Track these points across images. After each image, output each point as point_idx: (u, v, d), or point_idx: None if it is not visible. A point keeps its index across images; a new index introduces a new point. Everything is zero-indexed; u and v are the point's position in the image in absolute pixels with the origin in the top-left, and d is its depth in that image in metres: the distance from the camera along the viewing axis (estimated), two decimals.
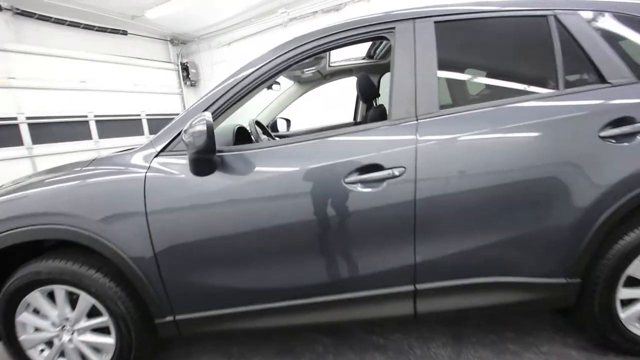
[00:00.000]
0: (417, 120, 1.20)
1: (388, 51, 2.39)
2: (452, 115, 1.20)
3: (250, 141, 1.81)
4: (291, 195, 1.18)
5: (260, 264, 1.24)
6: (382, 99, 2.56)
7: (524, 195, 1.17)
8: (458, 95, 1.34)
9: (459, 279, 1.23)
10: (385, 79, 2.67)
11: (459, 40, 1.32)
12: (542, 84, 1.28)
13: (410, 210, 1.17)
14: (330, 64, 2.44)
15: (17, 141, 4.53)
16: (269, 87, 2.42)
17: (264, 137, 1.87)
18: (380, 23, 1.30)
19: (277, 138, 2.66)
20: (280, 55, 1.30)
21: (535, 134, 1.17)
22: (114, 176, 1.25)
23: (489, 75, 1.35)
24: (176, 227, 1.21)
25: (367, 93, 2.28)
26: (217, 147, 1.24)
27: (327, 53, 2.22)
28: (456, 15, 1.29)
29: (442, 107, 1.22)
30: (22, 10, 4.66)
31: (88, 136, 5.35)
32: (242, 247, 1.22)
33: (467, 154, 1.17)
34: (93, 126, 5.41)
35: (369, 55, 2.55)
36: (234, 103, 1.30)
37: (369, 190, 1.16)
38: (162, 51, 6.85)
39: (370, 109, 2.43)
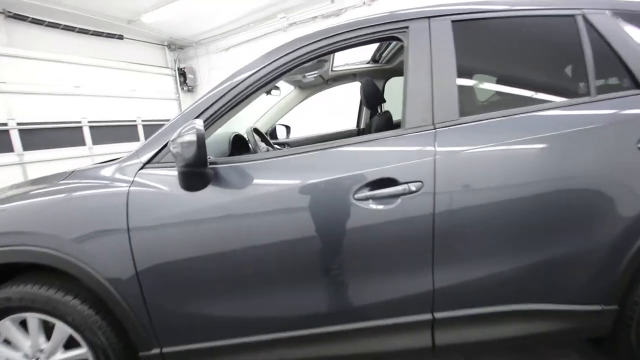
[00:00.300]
0: (434, 128, 1.07)
1: (394, 55, 2.28)
2: (474, 123, 1.07)
3: (248, 150, 1.68)
4: (293, 212, 1.05)
5: (258, 289, 1.10)
6: (387, 105, 2.44)
7: (556, 212, 1.05)
8: (479, 101, 1.22)
9: (483, 306, 1.10)
10: (391, 84, 2.56)
11: (478, 41, 1.20)
12: (572, 89, 1.16)
13: (428, 230, 1.04)
14: (333, 69, 2.32)
15: (7, 147, 4.39)
16: (268, 93, 2.30)
17: (262, 145, 1.74)
18: (392, 22, 1.17)
19: (276, 146, 2.53)
20: (280, 57, 1.18)
21: (568, 145, 1.04)
22: (92, 191, 1.11)
23: (512, 80, 1.23)
24: (162, 248, 1.07)
25: (372, 99, 2.16)
26: (211, 159, 1.11)
27: (331, 56, 2.11)
28: (475, 14, 1.18)
29: (462, 114, 1.09)
30: (15, 14, 4.54)
31: (81, 142, 5.22)
32: (238, 270, 1.09)
33: (492, 167, 1.04)
34: (87, 132, 5.27)
35: (374, 60, 2.44)
36: (230, 109, 1.17)
37: (381, 207, 1.03)
38: (159, 56, 6.75)
39: (375, 115, 2.31)
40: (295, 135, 2.85)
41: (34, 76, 4.62)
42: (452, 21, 1.16)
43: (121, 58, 5.85)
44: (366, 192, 1.04)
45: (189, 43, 6.81)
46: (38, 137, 4.65)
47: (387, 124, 2.11)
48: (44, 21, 4.84)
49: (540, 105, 1.10)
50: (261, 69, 1.17)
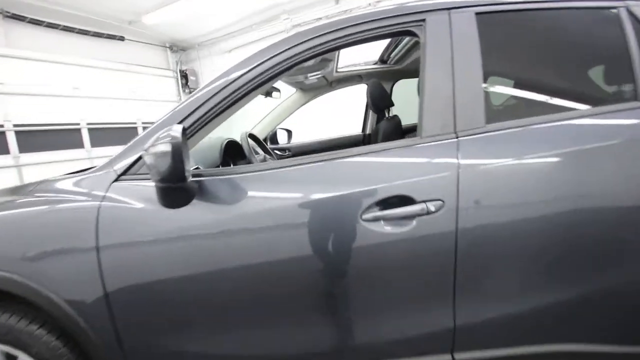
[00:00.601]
0: (457, 137, 0.92)
1: (404, 55, 2.13)
2: (503, 131, 0.92)
3: (244, 157, 1.53)
4: (288, 235, 0.90)
5: (247, 322, 0.95)
6: (394, 109, 2.29)
7: (605, 234, 0.89)
8: (508, 106, 1.06)
9: (513, 346, 0.93)
10: (398, 87, 2.41)
11: (506, 36, 1.05)
12: (617, 92, 1.00)
13: (449, 258, 0.88)
14: (338, 69, 2.17)
15: (3, 150, 4.28)
16: (268, 94, 2.16)
17: (260, 153, 1.59)
18: (406, 14, 1.02)
19: (276, 151, 2.39)
20: (280, 53, 1.02)
21: (621, 156, 0.88)
22: (56, 206, 0.96)
23: (546, 82, 1.07)
24: (138, 268, 0.92)
25: (380, 102, 2.02)
26: (198, 169, 0.96)
27: (335, 56, 1.96)
28: (502, 5, 1.02)
29: (488, 120, 0.93)
30: (13, 14, 4.45)
31: (79, 144, 5.10)
32: (224, 300, 0.94)
33: (526, 183, 0.88)
34: (85, 134, 5.16)
35: (382, 60, 2.29)
36: (220, 113, 1.01)
37: (393, 230, 0.87)
38: (161, 58, 6.65)
39: (382, 119, 2.16)
40: (297, 139, 2.70)
41: (32, 77, 4.52)
42: (476, 13, 1.00)
43: (122, 59, 5.75)
44: (376, 212, 0.88)
45: (191, 45, 6.72)
46: (35, 139, 4.54)
47: (396, 129, 1.96)
48: (43, 22, 4.75)
49: (581, 111, 0.94)
50: (257, 66, 1.02)
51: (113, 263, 0.92)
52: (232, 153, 1.48)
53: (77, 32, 5.18)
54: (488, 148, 0.90)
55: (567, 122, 0.92)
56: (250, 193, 0.92)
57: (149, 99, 6.15)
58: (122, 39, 5.77)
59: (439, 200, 0.87)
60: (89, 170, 1.02)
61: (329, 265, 0.90)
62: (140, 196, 0.94)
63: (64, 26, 4.99)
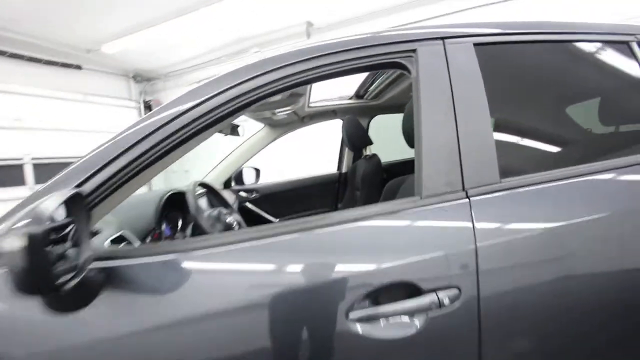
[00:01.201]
0: (467, 197, 0.70)
1: (382, 91, 1.98)
2: (527, 188, 0.71)
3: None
4: (246, 350, 0.61)
5: None
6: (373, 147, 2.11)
7: None
8: (529, 156, 0.87)
9: None
10: (375, 122, 2.25)
11: (511, 72, 0.88)
12: None
13: None
14: (310, 104, 1.98)
15: None
16: (233, 132, 1.91)
17: (215, 206, 1.27)
18: (393, 43, 0.83)
19: (243, 192, 2.10)
20: (241, 83, 0.78)
21: None
22: None
23: (566, 125, 0.89)
24: None
25: (357, 140, 1.83)
26: (110, 246, 0.67)
27: (307, 90, 1.77)
28: (504, 36, 0.86)
29: (504, 174, 0.73)
30: None
31: (21, 182, 4.54)
32: None
33: (575, 257, 0.67)
34: (29, 170, 4.62)
35: (358, 95, 2.13)
36: (152, 162, 0.74)
37: (393, 334, 0.62)
38: (122, 88, 6.29)
39: (360, 158, 1.96)
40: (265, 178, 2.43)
41: None
42: (475, 44, 0.83)
43: (79, 89, 5.35)
44: (367, 309, 0.62)
45: (158, 75, 6.43)
46: None
47: (376, 169, 1.75)
48: None
49: (617, 161, 0.76)
50: (207, 100, 0.77)
51: None
52: (181, 206, 1.18)
53: (27, 60, 4.77)
54: (509, 209, 0.69)
55: (603, 177, 0.73)
56: (189, 284, 0.63)
57: (106, 131, 5.70)
58: (78, 67, 5.39)
59: (454, 287, 0.63)
60: None
61: None
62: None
63: (11, 53, 4.57)
